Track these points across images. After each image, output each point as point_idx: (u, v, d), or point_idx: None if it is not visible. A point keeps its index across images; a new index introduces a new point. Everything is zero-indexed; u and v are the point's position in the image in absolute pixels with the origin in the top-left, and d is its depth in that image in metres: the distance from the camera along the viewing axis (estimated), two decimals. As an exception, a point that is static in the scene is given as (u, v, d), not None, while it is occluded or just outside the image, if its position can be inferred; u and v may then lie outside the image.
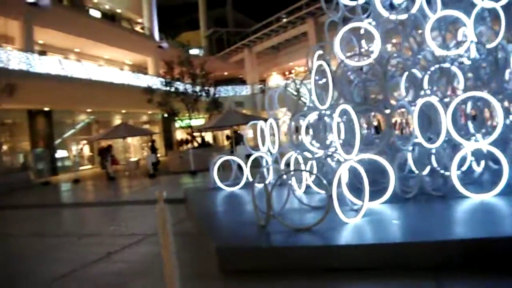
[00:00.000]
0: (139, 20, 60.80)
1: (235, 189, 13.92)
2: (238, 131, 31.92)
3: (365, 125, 13.58)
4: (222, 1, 76.89)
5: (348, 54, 11.90)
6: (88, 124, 44.92)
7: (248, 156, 14.52)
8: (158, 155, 36.23)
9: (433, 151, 10.37)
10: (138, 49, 53.43)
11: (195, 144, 34.35)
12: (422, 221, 8.05)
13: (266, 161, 13.70)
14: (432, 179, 10.43)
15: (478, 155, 10.81)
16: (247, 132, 17.47)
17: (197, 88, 33.65)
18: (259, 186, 11.45)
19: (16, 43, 36.08)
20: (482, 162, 10.92)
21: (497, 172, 9.26)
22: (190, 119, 34.76)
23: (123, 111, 48.70)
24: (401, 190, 9.67)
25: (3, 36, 33.96)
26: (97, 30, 43.99)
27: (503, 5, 10.88)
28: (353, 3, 12.25)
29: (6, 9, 31.38)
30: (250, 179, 13.59)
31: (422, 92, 10.66)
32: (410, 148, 10.56)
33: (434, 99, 9.65)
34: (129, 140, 47.20)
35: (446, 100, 10.25)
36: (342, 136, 11.07)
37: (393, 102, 10.76)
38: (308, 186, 11.75)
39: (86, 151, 44.76)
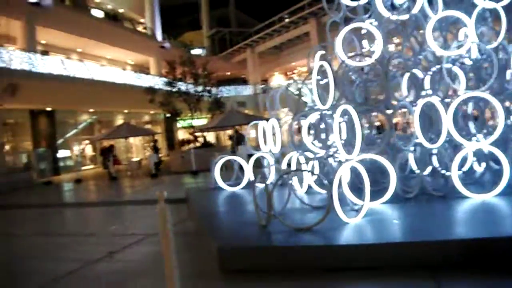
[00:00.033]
0: (142, 20, 60.84)
1: (237, 189, 13.92)
2: (239, 131, 31.88)
3: (366, 125, 13.57)
4: (225, 1, 76.89)
5: (350, 54, 11.90)
6: (90, 124, 44.99)
7: (250, 156, 14.53)
8: (160, 155, 36.23)
9: (434, 151, 10.37)
10: (140, 49, 53.44)
11: (197, 144, 34.36)
12: (422, 221, 8.06)
13: (268, 161, 13.70)
14: (433, 179, 10.43)
15: (479, 155, 10.82)
16: (249, 132, 17.45)
17: (199, 88, 33.67)
18: (260, 186, 11.46)
19: (18, 43, 36.10)
20: (483, 162, 10.94)
21: (498, 172, 9.26)
22: (192, 119, 34.80)
23: (125, 111, 48.76)
24: (402, 190, 9.68)
25: (5, 36, 33.98)
26: (99, 30, 44.01)
27: (504, 6, 10.87)
28: (355, 4, 12.24)
29: (8, 9, 31.39)
30: (252, 179, 13.59)
31: (423, 93, 10.67)
32: (412, 148, 10.57)
33: (435, 100, 9.65)
34: (131, 140, 47.22)
35: (447, 100, 10.25)
36: (344, 136, 11.07)
37: (394, 102, 10.77)
38: (309, 186, 11.76)
39: (88, 151, 44.80)
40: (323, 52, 13.16)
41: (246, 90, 67.51)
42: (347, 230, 7.65)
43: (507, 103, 10.99)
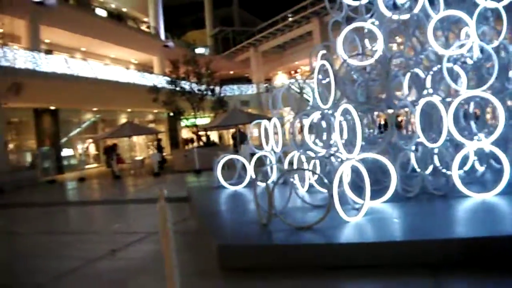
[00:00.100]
0: (145, 19, 60.90)
1: (239, 188, 13.96)
2: (241, 130, 31.89)
3: (370, 125, 13.60)
4: (228, 0, 76.89)
5: (351, 54, 11.93)
6: (94, 123, 45.01)
7: (252, 155, 14.55)
8: (164, 153, 36.25)
9: (436, 150, 10.40)
10: (144, 48, 53.48)
11: (200, 143, 34.39)
12: (423, 220, 8.08)
13: (270, 160, 13.73)
14: (434, 178, 10.46)
15: (480, 154, 10.84)
16: (252, 131, 17.48)
17: (203, 87, 33.69)
18: (262, 185, 11.49)
19: (23, 42, 36.16)
20: (485, 162, 10.97)
21: (499, 172, 9.28)
22: (196, 118, 34.80)
23: (129, 110, 48.80)
24: (402, 189, 9.71)
25: (9, 35, 34.08)
26: (103, 29, 44.07)
27: (505, 5, 10.89)
28: (356, 3, 12.26)
29: (12, 8, 31.44)
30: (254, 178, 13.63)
31: (425, 92, 10.70)
32: (413, 147, 10.60)
33: (436, 99, 9.68)
34: (135, 139, 47.30)
35: (449, 99, 10.27)
36: (345, 135, 11.10)
37: (396, 101, 10.80)
38: (311, 185, 11.80)
39: (92, 149, 44.84)
40: (325, 51, 13.18)
41: (250, 89, 67.48)
42: (347, 228, 7.69)
43: (508, 103, 11.02)
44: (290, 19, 59.70)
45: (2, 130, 29.45)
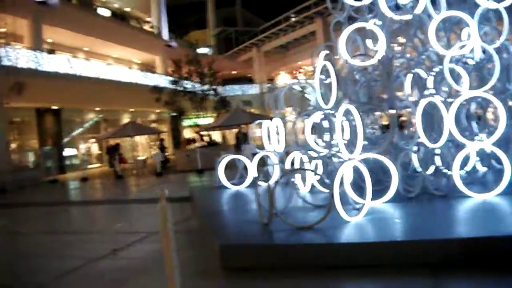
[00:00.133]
0: (148, 19, 60.89)
1: (241, 187, 13.97)
2: (242, 130, 31.90)
3: (370, 125, 13.59)
4: (231, 0, 76.94)
5: (353, 54, 11.93)
6: (96, 123, 45.01)
7: (254, 155, 14.55)
8: (167, 153, 36.27)
9: (437, 151, 10.39)
10: (147, 48, 53.50)
11: (203, 143, 34.43)
12: (423, 220, 8.10)
13: (272, 160, 13.73)
14: (435, 178, 10.45)
15: (482, 155, 10.84)
16: (255, 131, 17.47)
17: (205, 87, 33.74)
18: (264, 185, 11.49)
19: (25, 41, 36.18)
20: (486, 162, 10.97)
21: (500, 172, 9.26)
22: (198, 118, 34.86)
23: (131, 109, 48.79)
24: (404, 189, 9.70)
25: (12, 34, 34.10)
26: (105, 29, 44.08)
27: (506, 7, 10.89)
28: (359, 3, 12.25)
29: (15, 8, 31.47)
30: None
31: (426, 92, 10.69)
32: (415, 147, 10.59)
33: (437, 99, 9.67)
34: (137, 138, 47.29)
35: (450, 100, 10.26)
36: (347, 135, 11.09)
37: (398, 102, 10.79)
38: (312, 185, 11.79)
39: (95, 149, 44.86)
40: (327, 51, 13.17)
41: (252, 89, 67.54)
42: (348, 228, 7.70)
43: (510, 103, 11.01)
44: (293, 19, 59.77)
45: (4, 129, 29.48)
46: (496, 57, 10.07)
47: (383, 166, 9.71)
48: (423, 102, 9.76)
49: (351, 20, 12.62)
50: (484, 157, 10.92)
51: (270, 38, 65.94)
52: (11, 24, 32.94)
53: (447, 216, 8.22)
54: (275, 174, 13.29)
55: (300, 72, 70.38)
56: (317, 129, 12.08)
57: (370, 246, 6.84)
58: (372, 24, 11.53)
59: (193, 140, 43.16)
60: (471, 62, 11.26)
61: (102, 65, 42.83)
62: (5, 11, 29.73)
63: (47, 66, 33.12)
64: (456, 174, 9.17)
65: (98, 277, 7.82)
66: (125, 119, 45.31)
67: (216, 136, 49.74)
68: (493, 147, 9.32)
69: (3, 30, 30.48)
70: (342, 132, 10.04)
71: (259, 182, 9.84)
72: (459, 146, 9.92)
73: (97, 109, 43.90)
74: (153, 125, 51.55)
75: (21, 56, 31.21)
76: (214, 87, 34.24)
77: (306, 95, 13.04)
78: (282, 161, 13.28)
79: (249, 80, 72.13)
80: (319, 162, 11.66)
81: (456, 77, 10.86)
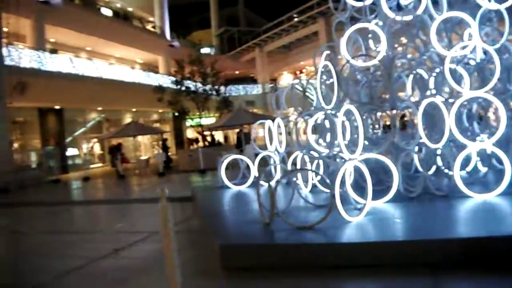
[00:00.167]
0: (151, 19, 61.03)
1: (242, 187, 13.98)
2: (243, 130, 31.85)
3: (375, 125, 13.60)
4: (234, 0, 77.00)
5: (355, 54, 11.93)
6: (98, 123, 45.10)
7: (257, 155, 14.56)
8: (170, 153, 36.27)
9: (439, 151, 10.39)
10: (149, 48, 53.59)
11: (205, 143, 34.44)
12: (424, 220, 8.11)
13: (274, 160, 13.73)
14: (436, 178, 10.46)
15: (483, 155, 10.84)
16: (257, 131, 17.45)
17: (208, 87, 33.75)
18: (266, 185, 11.49)
19: (28, 41, 36.30)
20: (487, 162, 10.97)
21: (501, 172, 9.26)
22: (201, 118, 34.85)
23: (134, 109, 48.86)
24: (405, 190, 9.71)
25: (14, 34, 34.10)
26: (108, 29, 44.17)
27: (508, 7, 10.90)
28: (361, 4, 12.25)
29: (18, 7, 31.49)
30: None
31: (428, 93, 10.69)
32: (416, 148, 10.60)
33: (438, 100, 9.67)
34: (140, 138, 47.33)
35: (452, 100, 10.26)
36: (349, 136, 11.09)
37: (399, 102, 10.80)
38: (314, 185, 11.79)
39: (97, 149, 44.92)
40: (329, 52, 13.18)
41: (255, 89, 67.56)
42: (349, 228, 7.71)
43: (511, 104, 11.02)
44: (296, 19, 59.77)
45: (7, 129, 29.47)
46: (496, 58, 10.06)
47: (383, 166, 9.73)
48: (424, 103, 9.77)
49: (353, 20, 12.62)
50: (485, 157, 10.92)
51: (273, 38, 66.02)
52: (14, 23, 32.86)
53: (447, 216, 8.24)
54: (277, 174, 13.31)
55: (302, 72, 70.32)
56: (318, 129, 12.09)
57: (371, 246, 6.85)
58: (373, 25, 11.52)
59: (196, 140, 43.16)
60: (472, 62, 11.26)
61: (104, 65, 42.94)
62: (8, 10, 29.71)
63: (49, 66, 33.23)
64: (457, 174, 9.17)
65: (100, 277, 7.83)
66: (128, 119, 45.35)
67: (219, 136, 49.79)
68: (494, 148, 9.32)
69: (6, 29, 30.46)
70: (343, 132, 10.03)
71: (261, 182, 9.85)
72: (461, 147, 9.92)
73: (100, 109, 43.98)
74: (156, 125, 51.59)
75: (24, 56, 31.35)
76: (216, 87, 34.24)
77: (308, 94, 13.00)
78: (284, 161, 13.29)
79: (252, 80, 72.20)
80: (321, 162, 11.66)
81: (458, 78, 10.86)
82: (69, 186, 27.26)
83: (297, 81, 13.52)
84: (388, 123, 15.57)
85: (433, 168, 10.78)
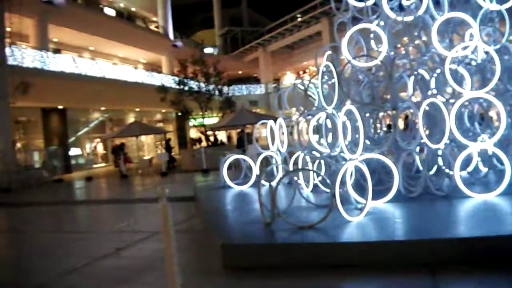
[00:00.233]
0: (154, 19, 61.08)
1: (244, 187, 14.02)
2: (244, 130, 31.86)
3: (374, 125, 13.60)
4: (237, 0, 76.98)
5: (356, 55, 11.95)
6: (101, 122, 45.14)
7: (259, 155, 14.59)
8: (173, 153, 36.30)
9: (440, 151, 10.40)
10: (153, 48, 53.63)
11: (208, 143, 34.46)
12: (424, 220, 8.13)
13: (275, 160, 13.75)
14: (437, 179, 10.47)
15: (484, 155, 10.85)
16: (260, 131, 17.47)
17: (211, 87, 33.79)
18: (267, 184, 11.51)
19: (31, 41, 36.36)
20: (488, 162, 10.99)
21: (502, 172, 9.28)
22: (203, 118, 34.87)
23: (137, 109, 48.90)
24: (405, 189, 9.72)
25: (18, 34, 34.18)
26: (111, 29, 44.25)
27: (508, 8, 10.92)
28: (362, 5, 12.26)
29: (21, 7, 31.55)
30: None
31: (429, 93, 10.71)
32: (418, 148, 10.62)
33: (439, 100, 9.69)
34: (143, 138, 47.39)
35: (453, 101, 10.28)
36: (350, 136, 11.11)
37: (400, 102, 10.82)
38: (316, 185, 11.81)
39: (100, 149, 44.97)
40: (330, 52, 13.20)
41: (258, 89, 67.56)
42: (349, 228, 7.73)
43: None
44: (299, 19, 59.72)
45: (10, 129, 29.52)
46: (496, 58, 10.07)
47: (384, 166, 9.74)
48: (425, 103, 9.79)
49: (355, 21, 12.63)
50: (485, 157, 10.94)
51: (276, 38, 65.99)
52: (17, 23, 32.93)
53: (448, 216, 8.25)
54: (279, 174, 13.33)
55: (305, 72, 70.30)
56: (320, 129, 12.10)
57: (371, 246, 6.86)
58: (375, 25, 11.54)
59: (199, 140, 43.18)
60: (474, 63, 11.28)
61: (107, 65, 42.95)
62: (11, 10, 29.77)
63: (52, 66, 33.30)
64: (457, 174, 9.18)
65: (102, 276, 7.85)
66: (131, 118, 45.42)
67: (222, 136, 49.80)
68: (495, 148, 9.34)
69: (9, 29, 30.50)
70: (344, 132, 10.05)
71: (262, 182, 9.87)
72: (462, 147, 9.94)
73: (103, 108, 44.03)
74: (159, 125, 51.71)
75: (27, 56, 31.41)
76: (219, 87, 34.28)
77: (309, 93, 13.00)
78: (285, 161, 13.30)
79: (255, 80, 72.24)
80: (322, 162, 11.68)
81: (460, 78, 10.87)
82: (72, 185, 27.28)
83: (299, 81, 13.48)
84: (390, 123, 15.58)
85: (434, 168, 10.80)
